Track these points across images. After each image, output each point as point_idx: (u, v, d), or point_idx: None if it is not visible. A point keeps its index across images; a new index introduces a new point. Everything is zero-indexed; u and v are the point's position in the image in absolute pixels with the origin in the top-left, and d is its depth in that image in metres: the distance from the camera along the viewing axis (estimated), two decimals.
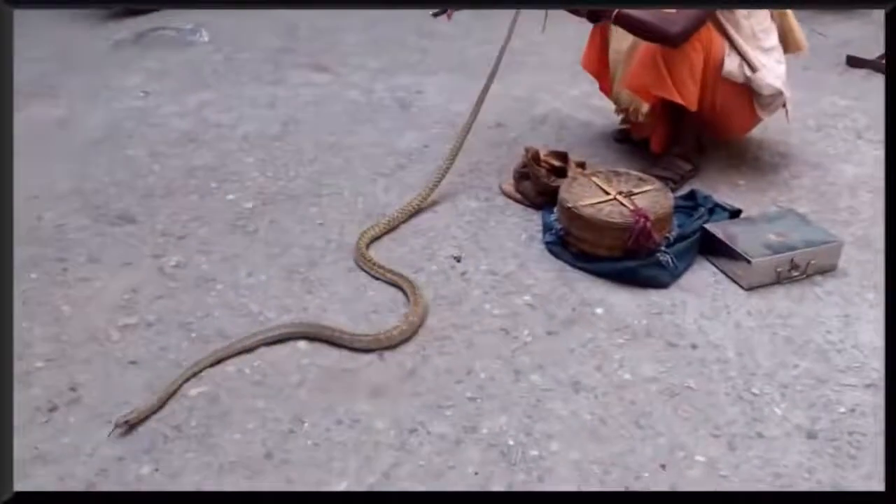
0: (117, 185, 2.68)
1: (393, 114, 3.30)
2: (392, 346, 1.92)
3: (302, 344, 1.94)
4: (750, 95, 2.53)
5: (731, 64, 2.45)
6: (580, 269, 2.22)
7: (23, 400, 1.74)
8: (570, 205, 2.23)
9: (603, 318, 2.05)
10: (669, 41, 2.34)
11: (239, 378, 1.83)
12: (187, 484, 1.55)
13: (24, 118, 3.15)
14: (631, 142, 2.94)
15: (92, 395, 1.77)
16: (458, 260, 2.28)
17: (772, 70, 2.48)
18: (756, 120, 2.65)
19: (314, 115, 3.27)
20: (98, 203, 2.56)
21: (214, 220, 2.47)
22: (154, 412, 1.71)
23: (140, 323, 2.01)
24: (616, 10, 2.31)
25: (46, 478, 1.55)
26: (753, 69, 2.45)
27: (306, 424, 1.70)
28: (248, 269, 2.23)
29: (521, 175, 2.56)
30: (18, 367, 1.84)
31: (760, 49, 2.48)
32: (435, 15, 2.54)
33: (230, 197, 2.62)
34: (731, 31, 2.44)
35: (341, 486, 1.55)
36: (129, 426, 1.66)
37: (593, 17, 2.51)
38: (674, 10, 2.31)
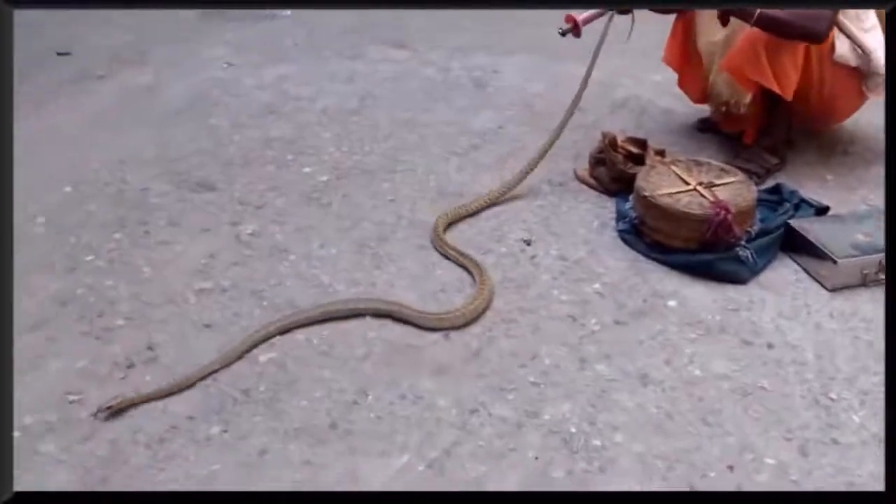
0: (199, 154, 2.75)
1: (468, 93, 3.28)
2: (456, 328, 1.92)
3: (369, 318, 1.96)
4: (858, 78, 2.44)
5: (843, 47, 2.37)
6: (653, 259, 2.18)
7: (103, 355, 1.82)
8: (646, 193, 2.17)
9: (675, 312, 2.00)
10: (817, 39, 2.27)
11: (307, 347, 1.87)
12: (254, 446, 1.59)
13: (115, 84, 3.27)
14: (714, 131, 2.85)
15: (168, 355, 1.84)
16: (528, 243, 2.26)
17: (880, 50, 2.38)
18: (861, 103, 2.56)
19: (391, 91, 3.28)
20: (180, 170, 2.64)
21: (290, 192, 2.51)
22: (139, 403, 1.68)
23: (215, 288, 2.06)
24: (757, 13, 2.23)
25: (122, 431, 1.62)
26: (866, 51, 2.37)
27: (370, 397, 1.72)
28: (320, 240, 2.27)
29: (597, 161, 2.52)
30: (101, 322, 1.92)
31: (863, 30, 2.38)
32: (562, 34, 2.43)
33: (306, 169, 2.66)
34: (839, 14, 2.34)
35: (403, 460, 1.57)
36: (112, 412, 1.65)
37: (724, 20, 2.43)
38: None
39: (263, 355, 1.84)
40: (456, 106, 3.14)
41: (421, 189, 2.54)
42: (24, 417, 1.63)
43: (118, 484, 1.50)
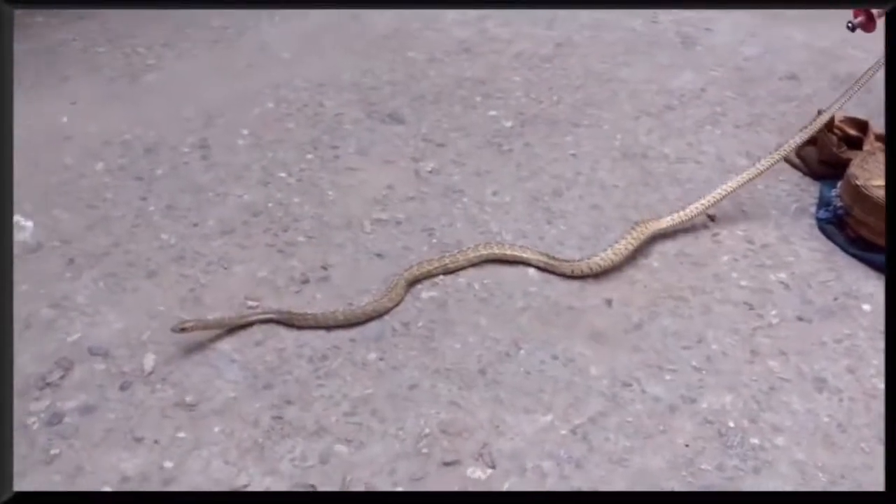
0: (393, 85, 2.82)
1: (673, 49, 3.09)
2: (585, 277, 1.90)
3: (532, 271, 1.94)
4: None
5: None
6: (853, 255, 1.98)
7: (283, 268, 1.95)
8: (859, 182, 1.96)
9: (868, 316, 1.81)
10: None
11: (468, 291, 1.89)
12: (406, 378, 1.65)
13: (320, 11, 3.39)
14: None
15: (339, 277, 1.93)
16: (713, 219, 2.12)
17: None
18: None
19: (589, 40, 3.16)
20: (374, 99, 2.72)
21: (473, 134, 2.52)
22: (208, 329, 1.71)
23: (390, 220, 2.13)
24: None
25: (290, 342, 1.73)
26: None
27: (522, 351, 1.72)
28: (495, 187, 2.26)
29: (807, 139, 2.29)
30: (285, 237, 2.06)
31: None
32: (851, 28, 2.15)
33: (492, 113, 2.65)
34: None
35: (546, 419, 1.56)
36: (182, 331, 1.65)
37: None
38: None
39: (426, 293, 1.88)
40: (657, 62, 2.98)
41: (605, 147, 2.45)
42: (207, 314, 1.79)
43: (281, 392, 1.61)
